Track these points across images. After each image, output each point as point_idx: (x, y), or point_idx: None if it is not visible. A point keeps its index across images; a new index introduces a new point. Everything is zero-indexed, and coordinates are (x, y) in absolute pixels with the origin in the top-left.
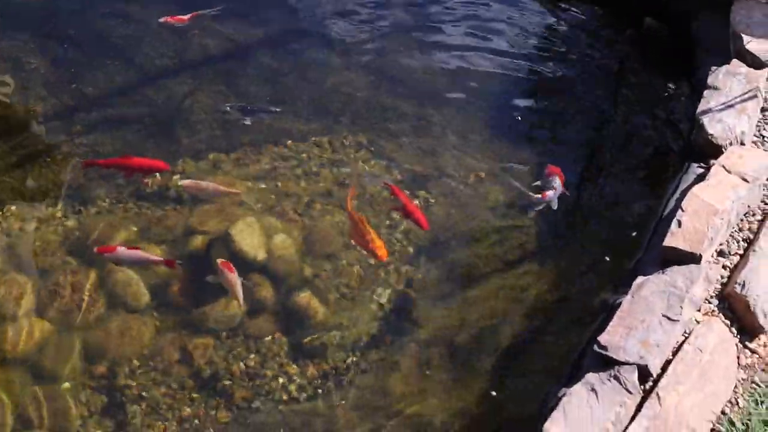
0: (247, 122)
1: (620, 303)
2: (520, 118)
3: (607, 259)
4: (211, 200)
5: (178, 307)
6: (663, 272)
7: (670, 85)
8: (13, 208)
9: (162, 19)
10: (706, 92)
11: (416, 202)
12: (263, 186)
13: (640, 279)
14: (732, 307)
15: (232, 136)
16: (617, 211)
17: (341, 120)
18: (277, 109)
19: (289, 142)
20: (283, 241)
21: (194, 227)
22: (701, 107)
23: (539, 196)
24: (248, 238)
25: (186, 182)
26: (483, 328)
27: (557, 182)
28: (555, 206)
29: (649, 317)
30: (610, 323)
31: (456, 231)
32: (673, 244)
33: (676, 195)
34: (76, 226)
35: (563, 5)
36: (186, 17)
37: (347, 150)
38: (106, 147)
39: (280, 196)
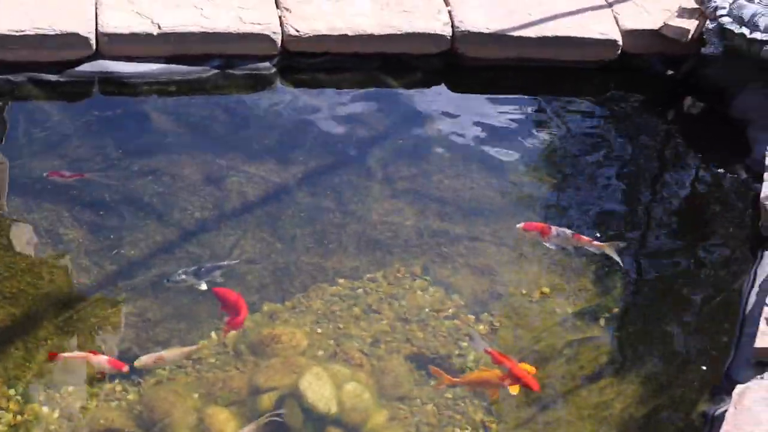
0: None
1: (721, 414)
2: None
3: (704, 368)
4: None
5: None
6: (762, 377)
7: (721, 170)
8: (71, 388)
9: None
10: (766, 174)
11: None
12: (320, 331)
13: (739, 388)
14: None
15: (283, 282)
16: (692, 309)
17: (393, 251)
18: (230, 263)
19: (342, 280)
20: (353, 389)
21: (260, 385)
22: (765, 191)
23: None
24: (318, 390)
25: (143, 360)
26: None
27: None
28: None
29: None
30: None
31: (526, 352)
32: (765, 345)
33: (755, 288)
34: (137, 399)
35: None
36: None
37: (402, 282)
38: (155, 313)
39: (342, 339)
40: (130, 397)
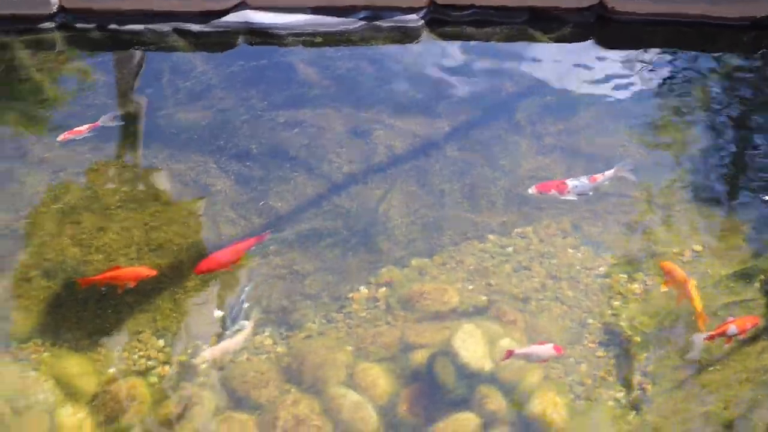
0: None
1: None
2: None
3: None
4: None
5: (407, 427)
6: None
7: None
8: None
9: (60, 138)
10: None
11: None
12: (471, 287)
13: None
14: None
15: (432, 237)
16: None
17: (542, 207)
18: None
19: (492, 236)
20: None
21: (412, 341)
22: None
23: None
24: (471, 347)
25: (206, 354)
26: (730, 420)
27: None
28: None
29: None
30: None
31: (680, 313)
32: None
33: None
34: (286, 352)
35: None
36: (84, 128)
37: (553, 239)
38: (306, 265)
39: (493, 296)
40: (280, 350)
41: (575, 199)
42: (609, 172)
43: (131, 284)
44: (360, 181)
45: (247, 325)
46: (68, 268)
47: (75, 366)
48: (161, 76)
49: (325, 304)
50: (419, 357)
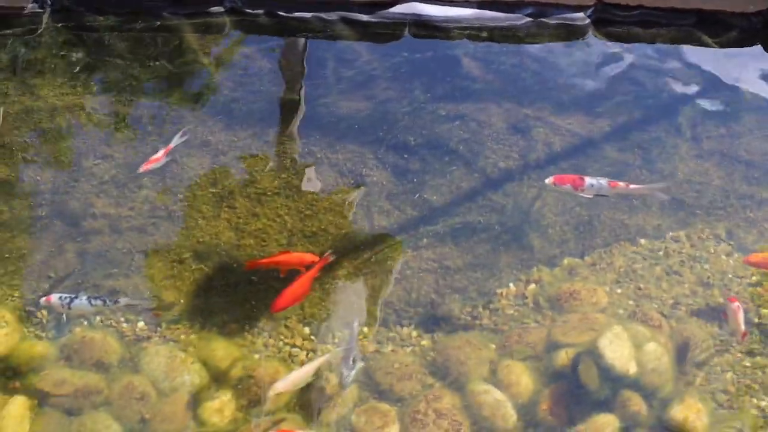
0: None
1: None
2: None
3: None
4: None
5: (548, 427)
6: None
7: None
8: (366, 329)
9: (141, 170)
10: None
11: None
12: (620, 290)
13: None
14: None
15: (584, 238)
16: None
17: (696, 212)
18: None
19: (644, 240)
20: (654, 351)
21: (558, 340)
22: None
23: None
24: (618, 350)
25: (279, 386)
26: None
27: None
28: None
29: None
30: None
31: None
32: None
33: None
34: (431, 346)
35: None
36: (160, 155)
37: (706, 244)
38: (456, 260)
39: (642, 299)
40: (425, 343)
41: (589, 197)
42: (635, 187)
43: (299, 269)
44: (516, 178)
45: (353, 373)
46: (222, 252)
47: (221, 349)
48: (325, 65)
49: (473, 299)
50: (564, 357)
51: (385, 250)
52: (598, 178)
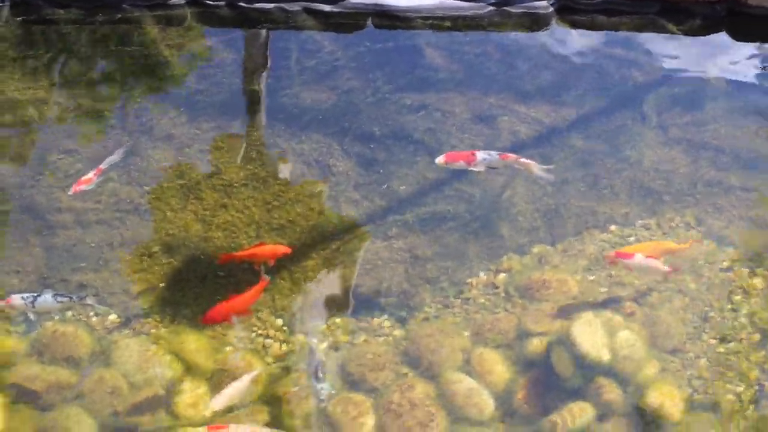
0: None
1: None
2: None
3: None
4: None
5: (524, 416)
6: None
7: None
8: (338, 320)
9: (71, 192)
10: None
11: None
12: (592, 278)
13: None
14: None
15: (554, 225)
16: None
17: (665, 199)
18: None
19: (614, 227)
20: (627, 339)
21: (530, 329)
22: None
23: None
24: (590, 338)
25: (216, 403)
26: None
27: None
28: None
29: None
30: None
31: None
32: None
33: None
34: (403, 336)
35: None
36: (91, 175)
37: (676, 231)
38: (426, 249)
39: (613, 286)
40: (397, 333)
41: (481, 170)
42: (524, 160)
43: (270, 262)
44: None
45: (326, 385)
46: (190, 245)
47: (193, 342)
48: (288, 56)
49: (444, 288)
50: (537, 345)
51: (354, 241)
52: (489, 151)
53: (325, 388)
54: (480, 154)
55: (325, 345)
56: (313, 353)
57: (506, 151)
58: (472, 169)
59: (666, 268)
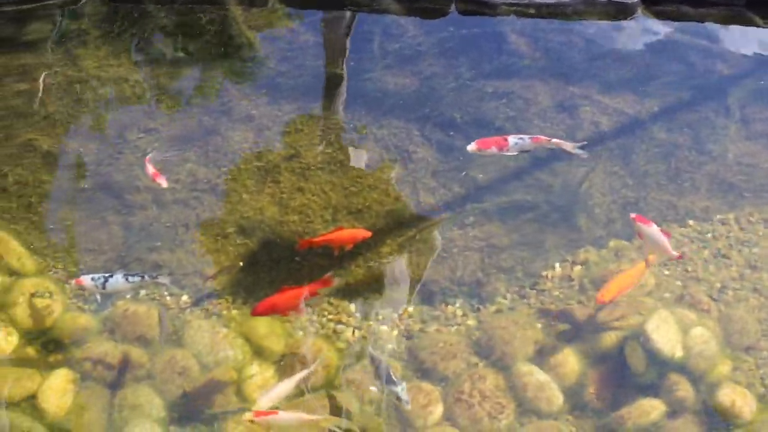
0: None
1: None
2: None
3: None
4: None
5: (594, 410)
6: None
7: None
8: (411, 308)
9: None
10: None
11: None
12: (667, 272)
13: None
14: None
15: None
16: None
17: (745, 195)
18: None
19: (692, 222)
20: (701, 335)
21: (604, 323)
22: None
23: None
24: (664, 334)
25: (263, 401)
26: None
27: None
28: None
29: None
30: None
31: None
32: None
33: None
34: (476, 325)
35: None
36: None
37: (755, 227)
38: (503, 238)
39: (689, 282)
40: (470, 322)
41: (514, 153)
42: (556, 141)
43: (348, 246)
44: (564, 158)
45: (404, 386)
46: (265, 227)
47: (264, 326)
48: (371, 39)
49: (519, 279)
50: (610, 339)
51: (430, 228)
52: (520, 135)
53: (403, 388)
54: (512, 139)
55: (396, 332)
56: (376, 359)
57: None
58: (505, 153)
59: (675, 253)
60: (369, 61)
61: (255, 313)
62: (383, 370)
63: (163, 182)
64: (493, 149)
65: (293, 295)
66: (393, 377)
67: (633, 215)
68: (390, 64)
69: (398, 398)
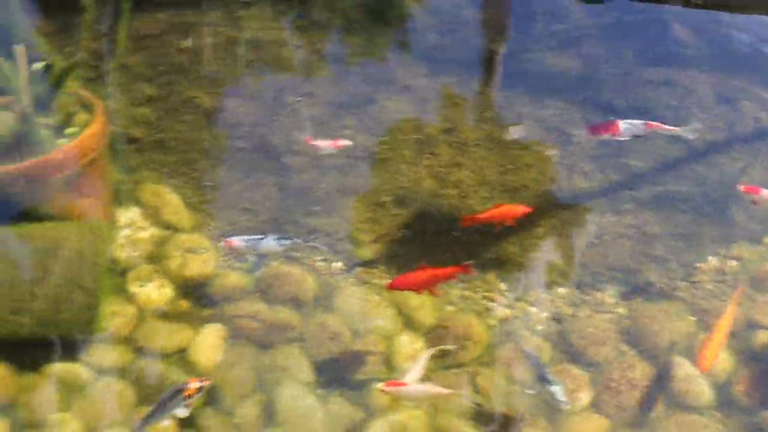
0: None
1: None
2: None
3: None
4: None
5: (743, 409)
6: None
7: None
8: (562, 290)
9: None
10: None
11: None
12: None
13: None
14: None
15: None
16: None
17: None
18: None
19: None
20: None
21: (758, 321)
22: None
23: None
24: None
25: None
26: None
27: None
28: None
29: None
30: None
31: None
32: None
33: None
34: (626, 314)
35: None
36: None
37: None
38: (656, 227)
39: None
40: (620, 310)
41: (626, 138)
42: (669, 127)
43: (509, 222)
44: (722, 150)
45: (561, 387)
46: (421, 199)
47: (416, 297)
48: (534, 18)
49: (671, 270)
50: (764, 338)
51: (584, 212)
52: (632, 120)
53: (560, 389)
54: (623, 124)
55: (546, 314)
56: (531, 355)
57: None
58: (618, 138)
59: None
60: (531, 41)
61: (391, 287)
62: (539, 367)
63: (332, 146)
64: (605, 135)
65: (431, 275)
66: (548, 376)
67: (742, 187)
68: (552, 45)
69: (554, 398)
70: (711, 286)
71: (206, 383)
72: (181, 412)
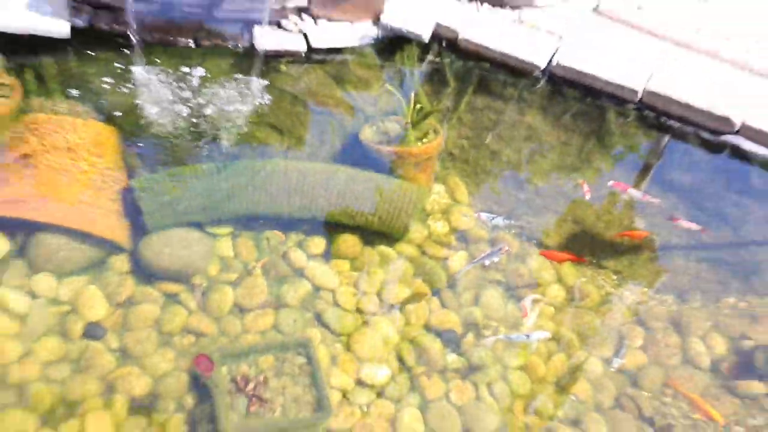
0: None
1: None
2: None
3: None
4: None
5: None
6: None
7: None
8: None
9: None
10: None
11: None
12: None
13: None
14: None
15: None
16: None
17: None
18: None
19: None
20: None
21: None
22: None
23: None
24: None
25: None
26: None
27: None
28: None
29: None
30: None
31: None
32: None
33: None
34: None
35: None
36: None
37: None
38: None
39: None
40: (673, 308)
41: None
42: (647, 196)
43: (637, 240)
44: None
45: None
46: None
47: (567, 266)
48: None
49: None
50: None
51: None
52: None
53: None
54: (632, 191)
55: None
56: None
57: None
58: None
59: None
60: None
61: (541, 254)
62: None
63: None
64: (630, 192)
65: (563, 256)
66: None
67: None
68: None
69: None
70: None
71: (505, 250)
72: (497, 259)
